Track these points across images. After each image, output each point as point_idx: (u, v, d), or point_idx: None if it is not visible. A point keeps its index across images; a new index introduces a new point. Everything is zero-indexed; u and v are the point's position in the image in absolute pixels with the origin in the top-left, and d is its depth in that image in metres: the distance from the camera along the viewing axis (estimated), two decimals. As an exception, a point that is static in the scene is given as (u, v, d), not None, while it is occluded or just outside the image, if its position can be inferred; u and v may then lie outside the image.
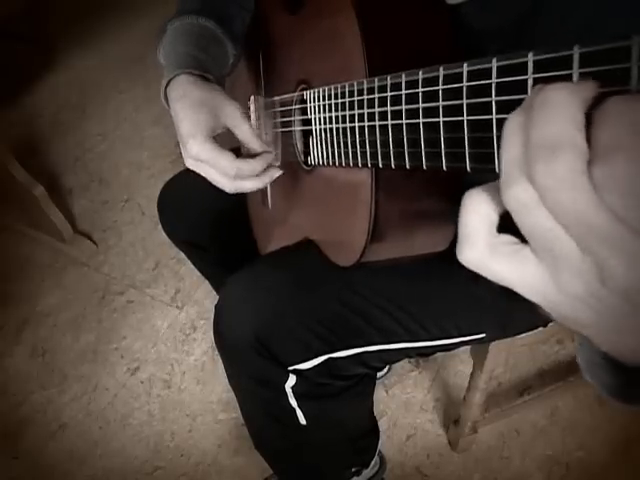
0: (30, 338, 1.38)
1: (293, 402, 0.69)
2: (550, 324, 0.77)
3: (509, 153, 0.24)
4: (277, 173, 0.63)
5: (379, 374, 1.22)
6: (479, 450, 1.13)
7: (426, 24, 0.53)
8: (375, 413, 0.92)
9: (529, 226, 0.23)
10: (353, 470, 0.91)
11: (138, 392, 1.27)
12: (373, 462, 0.96)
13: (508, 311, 0.69)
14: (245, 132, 0.62)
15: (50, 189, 1.48)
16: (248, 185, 0.61)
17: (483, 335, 0.72)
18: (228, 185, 0.61)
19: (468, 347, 0.95)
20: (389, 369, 1.24)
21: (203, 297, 1.40)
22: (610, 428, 1.13)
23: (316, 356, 0.65)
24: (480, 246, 0.26)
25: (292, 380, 0.66)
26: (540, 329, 0.78)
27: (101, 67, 2.05)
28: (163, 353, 1.33)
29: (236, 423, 1.19)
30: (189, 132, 0.59)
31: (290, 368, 0.66)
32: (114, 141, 1.82)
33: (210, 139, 0.59)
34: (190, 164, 0.61)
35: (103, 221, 1.61)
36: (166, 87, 0.63)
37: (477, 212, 0.26)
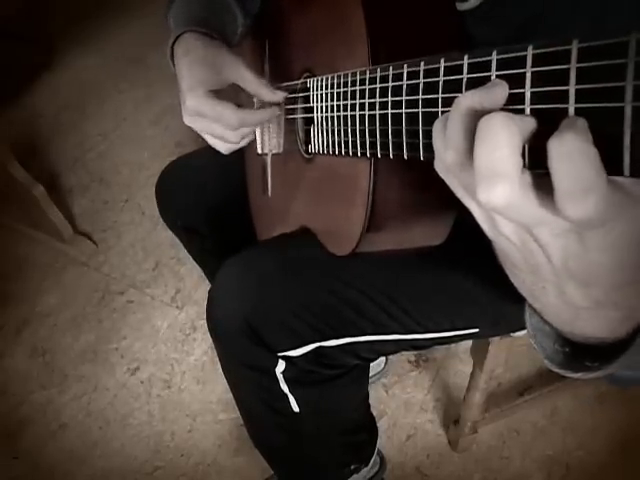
0: (30, 338, 1.38)
1: (285, 388, 0.69)
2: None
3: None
4: (275, 112, 0.63)
5: (377, 371, 1.22)
6: (479, 450, 1.13)
7: (432, 18, 0.53)
8: (375, 413, 0.92)
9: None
10: (352, 468, 0.91)
11: (138, 392, 1.27)
12: (372, 461, 0.96)
13: (501, 307, 0.69)
14: (251, 82, 0.61)
15: (50, 189, 1.48)
16: (247, 130, 0.61)
17: (476, 330, 0.72)
18: (232, 136, 0.60)
19: (468, 347, 0.95)
20: (386, 365, 1.24)
21: (203, 297, 1.39)
22: (610, 428, 1.13)
23: (306, 344, 0.65)
24: (515, 180, 0.25)
25: (282, 365, 0.66)
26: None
27: (101, 67, 2.05)
28: (163, 353, 1.33)
29: (236, 423, 1.19)
30: (188, 86, 0.58)
31: (280, 354, 0.66)
32: (114, 141, 1.82)
33: (210, 93, 0.58)
34: (188, 120, 0.60)
35: (103, 221, 1.61)
36: (172, 46, 0.63)
37: (511, 144, 0.25)
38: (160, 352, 1.33)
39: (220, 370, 0.76)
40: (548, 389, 1.13)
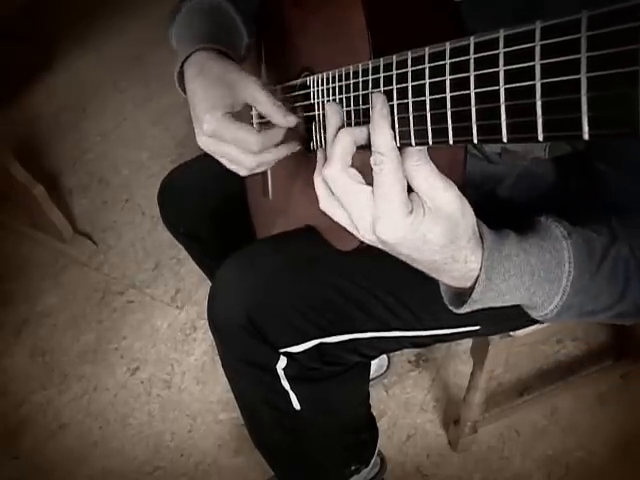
0: (30, 338, 1.38)
1: (286, 385, 0.69)
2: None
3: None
4: (297, 147, 0.60)
5: (380, 373, 1.22)
6: (479, 450, 1.13)
7: (430, 10, 0.53)
8: (375, 413, 0.92)
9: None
10: (352, 468, 0.91)
11: (138, 392, 1.27)
12: (373, 462, 0.96)
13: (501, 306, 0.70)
14: (265, 104, 0.57)
15: (50, 189, 1.48)
16: (269, 157, 0.58)
17: (477, 328, 0.72)
18: (249, 161, 0.57)
19: (468, 347, 0.95)
20: (388, 367, 1.24)
21: (203, 297, 1.40)
22: (610, 428, 1.13)
23: (307, 340, 0.65)
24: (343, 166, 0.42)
25: (283, 362, 0.66)
26: (538, 326, 0.78)
27: (101, 67, 2.05)
28: (163, 353, 1.33)
29: (236, 423, 1.19)
30: (205, 108, 0.55)
31: (281, 350, 0.66)
32: (114, 141, 1.82)
33: (229, 115, 0.55)
34: (203, 142, 0.57)
35: (103, 221, 1.61)
36: (181, 67, 0.60)
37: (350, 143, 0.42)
38: (160, 352, 1.33)
39: (220, 370, 0.76)
40: (548, 389, 1.14)
